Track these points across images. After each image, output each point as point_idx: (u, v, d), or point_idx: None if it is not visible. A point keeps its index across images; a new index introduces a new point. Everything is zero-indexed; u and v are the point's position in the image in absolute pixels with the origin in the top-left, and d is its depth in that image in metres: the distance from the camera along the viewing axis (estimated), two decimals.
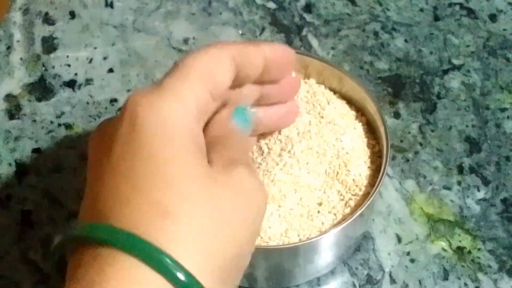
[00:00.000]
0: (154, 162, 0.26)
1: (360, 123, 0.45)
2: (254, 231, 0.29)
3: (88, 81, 0.56)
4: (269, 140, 0.43)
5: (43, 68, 0.57)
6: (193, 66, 0.29)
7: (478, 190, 0.49)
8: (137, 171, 0.26)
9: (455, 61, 0.57)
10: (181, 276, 0.25)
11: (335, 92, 0.47)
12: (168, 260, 0.25)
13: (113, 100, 0.55)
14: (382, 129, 0.43)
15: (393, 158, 0.51)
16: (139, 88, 0.29)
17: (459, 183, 0.50)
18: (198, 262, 0.26)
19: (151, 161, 0.26)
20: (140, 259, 0.25)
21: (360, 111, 0.46)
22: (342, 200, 0.42)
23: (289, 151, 0.43)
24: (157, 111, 0.27)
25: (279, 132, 0.43)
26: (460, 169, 0.50)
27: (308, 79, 0.48)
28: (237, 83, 0.33)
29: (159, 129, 0.27)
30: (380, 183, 0.41)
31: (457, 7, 0.60)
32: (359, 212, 0.40)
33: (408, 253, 0.46)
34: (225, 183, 0.28)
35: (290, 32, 0.59)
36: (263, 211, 0.30)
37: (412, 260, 0.46)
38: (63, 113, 0.54)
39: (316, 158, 0.43)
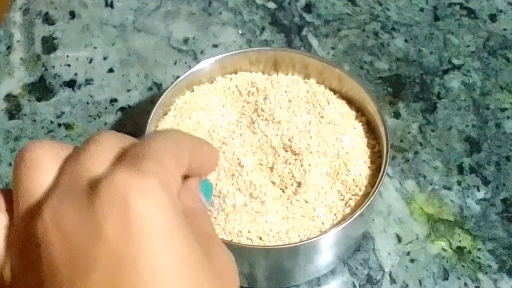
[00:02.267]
0: None
1: (360, 123, 0.45)
2: None
3: (88, 81, 0.56)
4: (270, 139, 0.43)
5: (43, 68, 0.57)
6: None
7: (478, 190, 0.49)
8: None
9: (455, 61, 0.57)
10: None
11: (335, 92, 0.47)
12: None
13: (113, 100, 0.55)
14: (382, 129, 0.43)
15: (393, 158, 0.51)
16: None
17: (459, 183, 0.50)
18: None
19: None
20: None
21: (360, 111, 0.46)
22: (342, 200, 0.42)
23: (289, 150, 0.43)
24: None
25: (279, 131, 0.44)
26: (460, 169, 0.50)
27: (308, 79, 0.48)
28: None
29: None
30: (380, 183, 0.41)
31: (457, 7, 0.60)
32: (359, 212, 0.40)
33: (408, 253, 0.46)
34: (209, 267, 0.27)
35: (290, 32, 0.59)
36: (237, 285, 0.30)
37: (412, 260, 0.46)
38: (63, 113, 0.54)
39: (316, 158, 0.43)
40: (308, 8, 0.60)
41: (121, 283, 0.24)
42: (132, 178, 0.25)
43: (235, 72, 0.48)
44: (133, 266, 0.24)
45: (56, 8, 0.61)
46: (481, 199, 0.49)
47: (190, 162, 0.30)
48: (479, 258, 0.46)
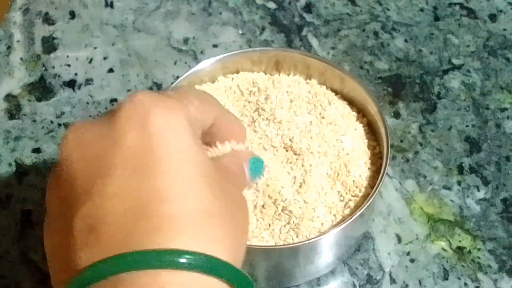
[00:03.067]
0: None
1: (361, 124, 0.45)
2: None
3: (88, 81, 0.56)
4: (271, 139, 0.43)
5: (43, 68, 0.57)
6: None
7: (478, 190, 0.49)
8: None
9: (455, 61, 0.57)
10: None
11: (336, 93, 0.47)
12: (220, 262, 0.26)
13: (113, 100, 0.55)
14: (382, 130, 0.43)
15: (393, 158, 0.51)
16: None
17: (459, 183, 0.50)
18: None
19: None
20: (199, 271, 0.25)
21: (361, 112, 0.46)
22: (342, 201, 0.42)
23: (290, 150, 0.43)
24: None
25: (280, 131, 0.44)
26: (460, 169, 0.50)
27: (310, 79, 0.48)
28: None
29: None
30: (380, 185, 0.41)
31: (457, 7, 0.60)
32: (358, 213, 0.40)
33: (408, 253, 0.46)
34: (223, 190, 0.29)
35: (290, 32, 0.59)
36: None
37: (412, 260, 0.46)
38: (63, 113, 0.54)
39: (317, 159, 0.43)
40: (308, 8, 0.60)
41: (139, 184, 0.25)
42: (154, 97, 0.27)
43: (237, 72, 0.48)
44: (151, 170, 0.25)
45: (56, 8, 0.61)
46: (481, 199, 0.49)
47: (216, 123, 0.32)
48: (479, 258, 0.46)
